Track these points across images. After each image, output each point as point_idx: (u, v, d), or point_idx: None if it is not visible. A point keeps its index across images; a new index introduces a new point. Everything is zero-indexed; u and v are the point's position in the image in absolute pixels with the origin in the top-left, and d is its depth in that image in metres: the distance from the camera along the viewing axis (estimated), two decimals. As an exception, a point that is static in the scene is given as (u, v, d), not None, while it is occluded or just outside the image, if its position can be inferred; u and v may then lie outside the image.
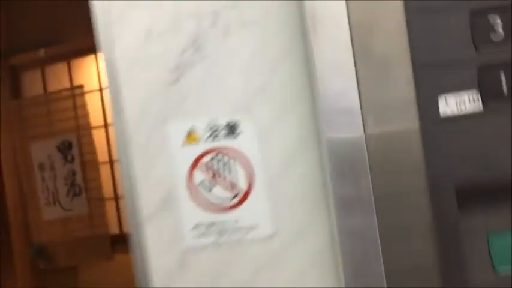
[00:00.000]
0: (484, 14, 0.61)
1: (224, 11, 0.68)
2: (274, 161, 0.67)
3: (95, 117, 2.83)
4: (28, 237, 2.93)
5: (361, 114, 0.61)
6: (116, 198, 2.84)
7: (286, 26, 0.67)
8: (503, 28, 0.60)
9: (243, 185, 0.67)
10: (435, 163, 0.61)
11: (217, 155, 0.67)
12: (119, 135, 0.70)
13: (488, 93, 0.61)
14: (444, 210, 0.61)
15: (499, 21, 0.61)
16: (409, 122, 0.61)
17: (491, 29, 0.61)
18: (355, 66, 0.60)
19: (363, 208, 0.61)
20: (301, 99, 0.67)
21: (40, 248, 2.91)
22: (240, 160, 0.66)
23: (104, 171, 2.84)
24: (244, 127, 0.66)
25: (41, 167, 2.88)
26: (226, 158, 0.67)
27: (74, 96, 2.82)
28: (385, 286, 0.61)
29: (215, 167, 0.67)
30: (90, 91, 2.82)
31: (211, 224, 0.69)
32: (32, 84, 2.94)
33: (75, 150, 2.83)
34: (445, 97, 0.61)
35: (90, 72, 2.82)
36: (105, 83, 2.76)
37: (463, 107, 0.61)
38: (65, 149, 2.85)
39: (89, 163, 2.83)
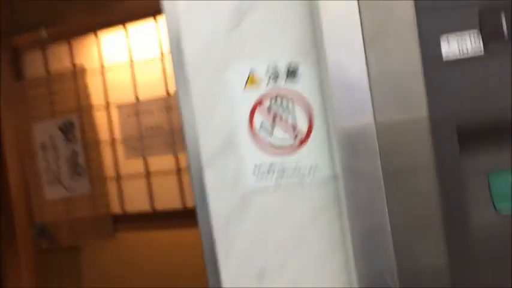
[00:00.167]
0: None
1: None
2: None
3: (97, 98, 2.84)
4: (30, 217, 2.95)
5: (365, 53, 0.62)
6: (118, 178, 2.87)
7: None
8: (505, -30, 0.61)
9: (303, 127, 0.69)
10: (437, 105, 0.62)
11: (277, 97, 0.69)
12: (180, 81, 0.72)
13: (489, 35, 0.62)
14: (446, 151, 0.63)
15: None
16: (412, 64, 0.62)
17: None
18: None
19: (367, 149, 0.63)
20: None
21: (42, 228, 2.93)
22: (300, 102, 0.69)
23: (106, 151, 2.86)
24: (303, 70, 0.68)
25: (43, 147, 2.89)
26: (286, 101, 0.69)
27: (75, 76, 2.83)
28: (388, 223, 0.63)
29: (275, 109, 0.70)
30: (92, 71, 2.83)
31: (272, 167, 0.70)
32: (33, 65, 2.94)
33: (77, 131, 2.85)
34: (447, 38, 0.62)
35: (91, 52, 2.83)
36: (106, 62, 2.78)
37: (464, 50, 0.62)
38: (66, 129, 2.86)
39: (91, 143, 2.85)
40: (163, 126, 2.70)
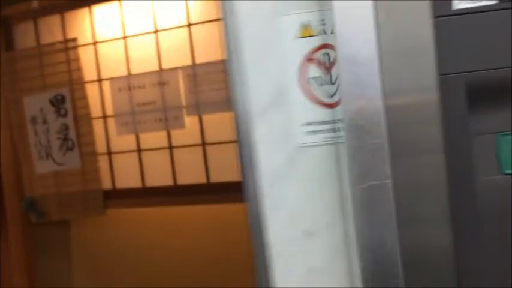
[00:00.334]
0: None
1: None
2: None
3: (88, 72, 2.81)
4: (20, 191, 2.93)
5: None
6: (109, 153, 2.85)
7: None
8: None
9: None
10: (447, 62, 0.60)
11: (330, 49, 0.65)
12: (230, 29, 0.67)
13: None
14: (454, 110, 0.62)
15: None
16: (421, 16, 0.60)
17: None
18: None
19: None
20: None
21: (32, 202, 2.92)
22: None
23: (97, 126, 2.84)
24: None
25: (34, 120, 2.87)
26: (333, 54, 0.65)
27: (67, 49, 2.79)
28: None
29: (328, 61, 0.66)
30: (84, 45, 2.79)
31: (322, 121, 0.67)
32: (24, 36, 2.89)
33: (68, 105, 2.82)
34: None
35: (83, 26, 2.79)
36: (99, 36, 2.74)
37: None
38: (57, 102, 2.83)
39: (82, 118, 2.82)
40: (156, 102, 2.68)
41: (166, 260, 2.80)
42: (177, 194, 2.72)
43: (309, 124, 0.67)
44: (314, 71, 0.67)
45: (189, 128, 2.64)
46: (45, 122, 2.85)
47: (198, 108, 2.59)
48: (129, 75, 2.72)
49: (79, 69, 2.79)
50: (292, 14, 0.66)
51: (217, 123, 2.59)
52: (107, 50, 2.76)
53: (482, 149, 0.64)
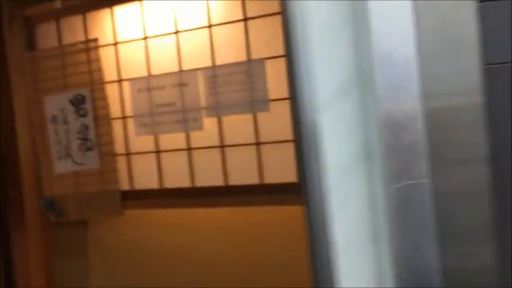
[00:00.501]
0: None
1: None
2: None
3: (109, 73, 2.82)
4: (39, 190, 2.94)
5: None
6: (128, 153, 2.85)
7: None
8: None
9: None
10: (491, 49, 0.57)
11: None
12: (299, 16, 0.64)
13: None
14: (502, 109, 0.58)
15: None
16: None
17: None
18: None
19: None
20: None
21: (51, 201, 2.93)
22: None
23: (116, 127, 2.85)
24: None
25: (54, 120, 2.88)
26: None
27: (88, 49, 2.80)
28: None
29: None
30: (105, 45, 2.80)
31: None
32: (46, 36, 2.92)
33: (88, 105, 2.83)
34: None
35: (105, 26, 2.80)
36: (120, 37, 2.75)
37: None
38: (78, 103, 2.84)
39: (102, 118, 2.83)
40: (175, 103, 2.67)
41: (182, 262, 2.78)
42: (195, 195, 2.71)
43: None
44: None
45: (207, 130, 2.63)
46: (65, 121, 2.87)
47: (217, 109, 2.58)
48: (149, 76, 2.72)
49: (100, 69, 2.80)
50: None
51: (236, 125, 2.57)
52: (128, 51, 2.77)
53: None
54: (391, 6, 0.57)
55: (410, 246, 0.57)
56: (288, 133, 2.46)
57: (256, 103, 2.49)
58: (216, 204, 2.64)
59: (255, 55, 2.48)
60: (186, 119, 2.65)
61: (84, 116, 2.85)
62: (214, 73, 2.56)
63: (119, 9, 2.76)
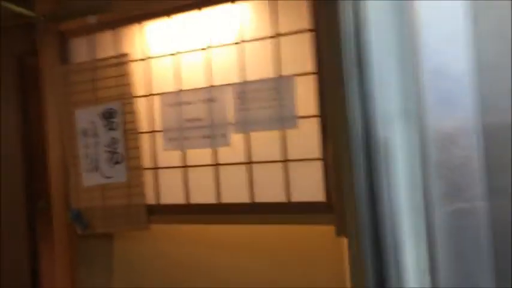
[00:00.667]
0: None
1: None
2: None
3: (139, 87, 2.84)
4: (67, 202, 2.97)
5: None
6: (155, 168, 2.86)
7: None
8: None
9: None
10: None
11: None
12: (348, 34, 0.63)
13: None
14: None
15: None
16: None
17: None
18: None
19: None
20: None
21: (78, 214, 2.95)
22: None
23: (144, 141, 2.86)
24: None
25: (84, 133, 2.91)
26: None
27: (119, 64, 2.84)
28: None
29: None
30: (135, 60, 2.83)
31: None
32: (78, 51, 2.97)
33: (118, 119, 2.85)
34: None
35: (135, 41, 2.83)
36: (151, 52, 2.77)
37: None
38: (108, 116, 2.87)
39: (131, 132, 2.85)
40: (203, 119, 2.67)
41: (207, 277, 2.76)
42: (221, 212, 2.69)
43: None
44: None
45: (234, 146, 2.62)
46: (95, 135, 2.89)
47: (245, 125, 2.57)
48: (179, 90, 2.73)
49: (130, 84, 2.82)
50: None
51: (264, 142, 2.55)
52: (158, 66, 2.79)
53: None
54: (443, 19, 0.54)
55: (463, 282, 0.50)
56: (315, 151, 2.43)
57: (284, 120, 2.47)
58: (241, 221, 2.62)
59: (285, 71, 2.47)
60: (214, 134, 2.65)
61: (113, 129, 2.87)
62: (243, 89, 2.56)
63: (149, 25, 2.79)
